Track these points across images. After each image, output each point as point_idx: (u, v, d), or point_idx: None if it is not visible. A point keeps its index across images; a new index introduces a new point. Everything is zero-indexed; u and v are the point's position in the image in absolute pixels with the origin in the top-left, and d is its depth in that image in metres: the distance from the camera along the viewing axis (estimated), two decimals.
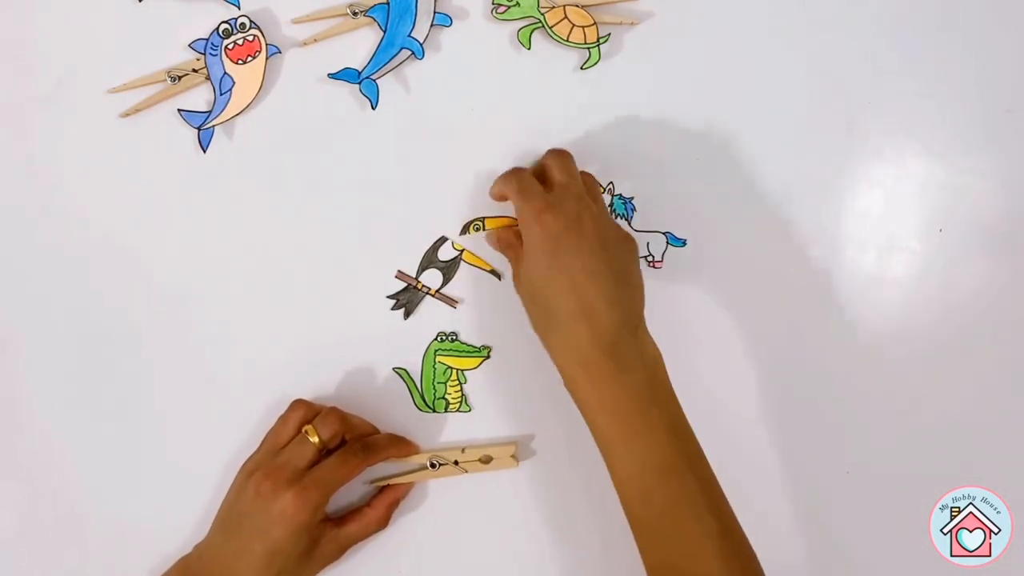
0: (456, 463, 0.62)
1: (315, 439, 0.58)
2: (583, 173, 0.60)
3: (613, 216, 0.63)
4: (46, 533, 0.63)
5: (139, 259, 0.63)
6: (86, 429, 0.63)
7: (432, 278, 0.63)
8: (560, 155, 0.60)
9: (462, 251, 0.63)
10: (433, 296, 0.62)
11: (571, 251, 0.55)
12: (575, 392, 0.56)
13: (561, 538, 0.63)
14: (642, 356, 0.55)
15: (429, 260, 0.62)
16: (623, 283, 0.57)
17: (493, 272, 0.63)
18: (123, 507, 0.63)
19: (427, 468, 0.62)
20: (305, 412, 0.60)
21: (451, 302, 0.63)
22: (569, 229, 0.56)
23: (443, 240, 0.63)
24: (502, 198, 0.61)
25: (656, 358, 0.56)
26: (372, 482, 0.63)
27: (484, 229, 0.62)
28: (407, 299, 0.62)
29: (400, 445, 0.62)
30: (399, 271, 0.62)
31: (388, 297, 0.62)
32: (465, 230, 0.63)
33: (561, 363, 0.56)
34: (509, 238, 0.61)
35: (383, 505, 0.61)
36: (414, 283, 0.62)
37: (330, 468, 0.58)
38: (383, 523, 0.61)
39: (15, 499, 0.63)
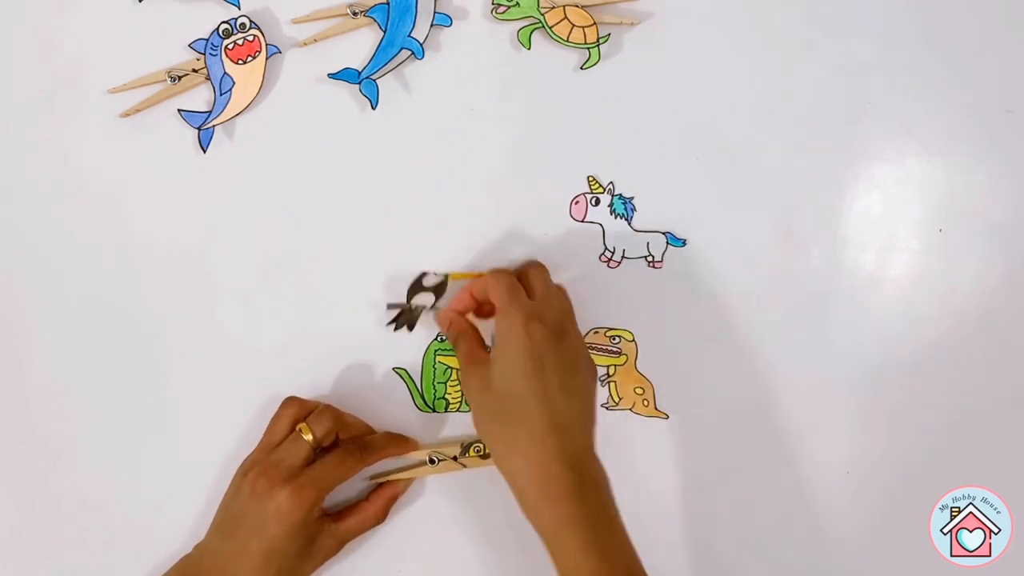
0: (455, 458, 0.62)
1: (309, 437, 0.58)
2: (557, 286, 0.60)
3: (613, 216, 0.63)
4: (45, 533, 0.63)
5: (138, 259, 0.63)
6: (85, 429, 0.63)
7: (424, 299, 0.62)
8: (540, 267, 0.61)
9: (446, 276, 0.62)
10: (430, 311, 0.62)
11: (552, 365, 0.54)
12: (536, 510, 0.53)
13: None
14: (598, 477, 0.55)
15: (416, 289, 0.61)
16: (591, 405, 0.57)
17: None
18: (122, 507, 0.63)
19: (426, 464, 0.62)
20: (298, 409, 0.60)
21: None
22: (552, 342, 0.55)
23: (423, 275, 0.61)
24: (482, 297, 0.60)
25: (607, 480, 0.55)
26: (371, 478, 0.63)
27: (447, 282, 0.61)
28: (406, 319, 0.62)
29: (398, 443, 0.62)
30: (388, 304, 0.62)
31: (386, 325, 0.62)
32: (418, 283, 0.61)
33: (521, 478, 0.54)
34: (472, 341, 0.59)
35: (381, 500, 0.61)
36: (407, 307, 0.61)
37: (326, 467, 0.58)
38: (381, 518, 0.61)
39: (14, 498, 0.63)
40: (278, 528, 0.55)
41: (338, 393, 0.63)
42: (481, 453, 0.62)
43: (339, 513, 0.60)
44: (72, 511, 0.63)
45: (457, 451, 0.62)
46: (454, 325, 0.60)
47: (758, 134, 0.63)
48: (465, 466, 0.62)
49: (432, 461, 0.62)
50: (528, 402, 0.54)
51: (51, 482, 0.63)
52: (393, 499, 0.62)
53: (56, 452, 0.63)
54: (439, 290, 0.61)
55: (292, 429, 0.59)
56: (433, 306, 0.61)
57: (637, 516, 0.59)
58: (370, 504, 0.61)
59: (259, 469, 0.57)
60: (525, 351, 0.54)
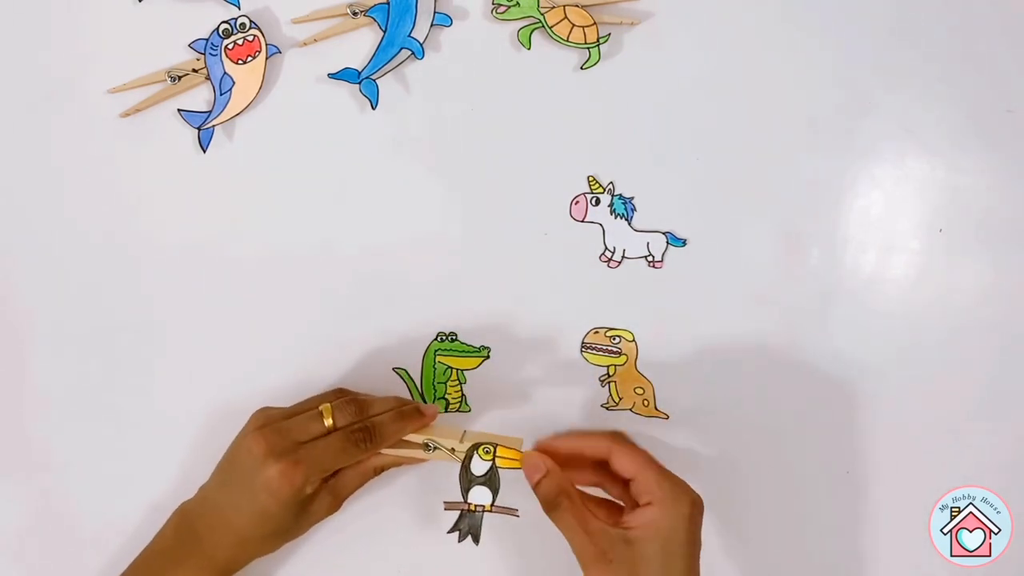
0: (453, 451, 0.58)
1: (329, 422, 0.56)
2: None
3: (613, 216, 0.63)
4: (40, 533, 0.63)
5: (138, 259, 0.63)
6: (82, 429, 0.63)
7: (481, 496, 0.57)
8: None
9: (493, 460, 0.57)
10: (491, 512, 0.57)
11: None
12: None
13: (563, 538, 0.63)
14: None
15: (469, 480, 0.57)
16: None
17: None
18: (119, 507, 0.63)
19: (422, 448, 0.58)
20: (338, 397, 0.58)
21: (510, 512, 0.57)
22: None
23: (471, 454, 0.57)
24: (591, 456, 0.58)
25: None
26: None
27: (496, 457, 0.57)
28: (468, 525, 0.57)
29: (411, 421, 0.58)
30: (446, 502, 0.57)
31: (448, 532, 0.57)
32: (470, 456, 0.57)
33: None
34: (597, 530, 0.55)
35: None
36: (467, 508, 0.57)
37: (327, 449, 0.55)
38: (379, 469, 0.60)
39: (12, 499, 0.63)
40: (268, 498, 0.54)
41: None
42: (491, 453, 0.57)
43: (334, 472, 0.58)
44: (66, 511, 0.63)
45: (456, 443, 0.58)
46: (565, 497, 0.56)
47: (758, 134, 0.63)
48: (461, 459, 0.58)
49: (428, 448, 0.58)
50: None
51: (46, 483, 0.63)
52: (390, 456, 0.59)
53: (53, 451, 0.63)
54: (492, 482, 0.57)
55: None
56: (492, 504, 0.57)
57: None
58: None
59: (266, 431, 0.55)
60: (691, 549, 0.54)
